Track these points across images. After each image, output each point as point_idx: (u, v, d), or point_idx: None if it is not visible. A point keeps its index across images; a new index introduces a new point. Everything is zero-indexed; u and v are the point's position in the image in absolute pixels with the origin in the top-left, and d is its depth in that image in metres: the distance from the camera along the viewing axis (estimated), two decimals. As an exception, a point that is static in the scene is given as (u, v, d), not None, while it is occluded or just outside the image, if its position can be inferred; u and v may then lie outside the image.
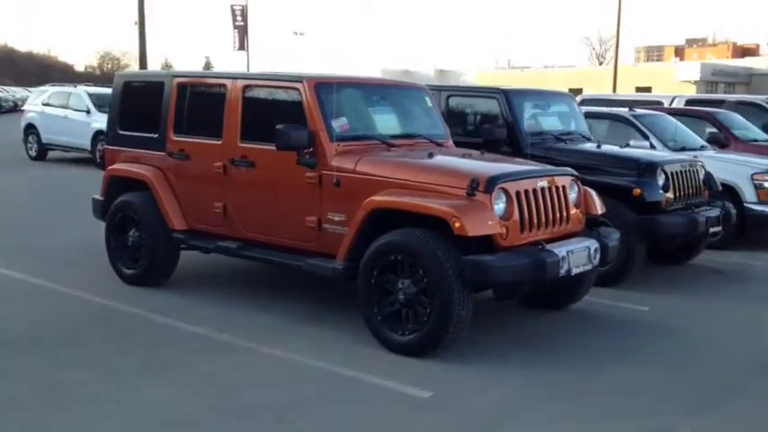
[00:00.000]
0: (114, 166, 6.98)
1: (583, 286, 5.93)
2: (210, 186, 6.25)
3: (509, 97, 7.71)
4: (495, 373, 4.77)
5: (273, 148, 5.66)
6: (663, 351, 5.26)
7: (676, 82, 47.61)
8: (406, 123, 6.28)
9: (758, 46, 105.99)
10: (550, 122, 8.04)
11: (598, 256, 5.35)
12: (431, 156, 5.64)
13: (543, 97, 8.34)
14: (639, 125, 9.25)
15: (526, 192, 5.13)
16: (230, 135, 6.09)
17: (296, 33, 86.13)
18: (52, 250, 8.12)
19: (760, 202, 8.67)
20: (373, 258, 5.09)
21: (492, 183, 4.95)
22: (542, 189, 5.26)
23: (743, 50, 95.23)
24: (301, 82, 5.72)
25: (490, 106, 7.83)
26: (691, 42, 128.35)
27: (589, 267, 5.30)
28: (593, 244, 5.33)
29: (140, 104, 6.99)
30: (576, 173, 5.70)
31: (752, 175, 8.75)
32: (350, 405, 4.26)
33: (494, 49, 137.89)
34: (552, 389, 4.52)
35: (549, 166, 5.75)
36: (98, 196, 7.26)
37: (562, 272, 4.95)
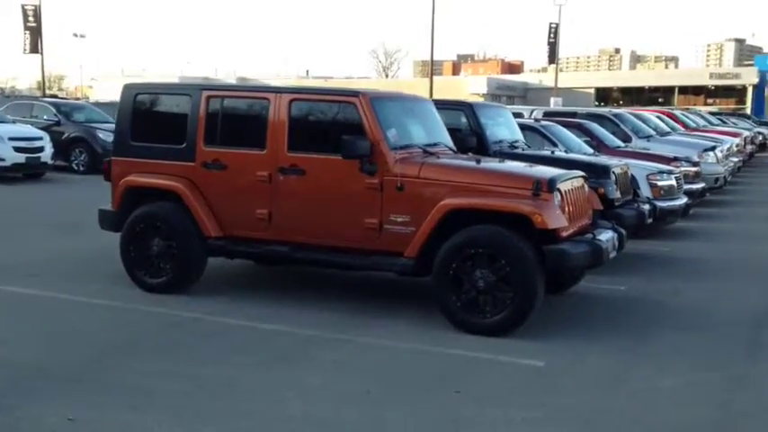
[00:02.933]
0: (132, 178, 7.02)
1: (582, 272, 7.03)
2: (253, 194, 6.58)
3: (475, 110, 8.72)
4: (578, 345, 5.64)
5: (325, 156, 6.25)
6: (670, 319, 6.46)
7: (467, 94, 51.57)
8: (430, 133, 7.03)
9: (522, 63, 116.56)
10: (502, 132, 9.14)
11: (617, 244, 6.48)
12: (478, 162, 6.47)
13: (495, 110, 9.44)
14: (548, 134, 10.68)
15: (568, 191, 6.12)
16: (276, 145, 6.48)
17: (76, 35, 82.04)
18: (41, 263, 7.93)
19: (654, 198, 10.38)
20: (453, 252, 5.81)
21: (553, 184, 5.89)
22: (576, 188, 6.29)
23: (510, 66, 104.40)
24: (357, 96, 6.29)
25: (457, 117, 8.78)
26: (461, 58, 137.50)
27: (614, 254, 6.40)
28: (614, 234, 6.45)
29: (159, 116, 7.13)
30: (585, 174, 6.79)
31: (647, 175, 10.42)
32: (490, 376, 4.97)
33: (286, 57, 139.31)
34: (623, 354, 5.52)
35: (574, 170, 6.76)
36: (108, 207, 7.25)
37: (610, 257, 6.00)
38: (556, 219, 5.73)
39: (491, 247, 5.70)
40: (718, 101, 64.96)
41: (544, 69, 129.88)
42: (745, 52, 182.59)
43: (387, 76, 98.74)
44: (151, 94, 7.31)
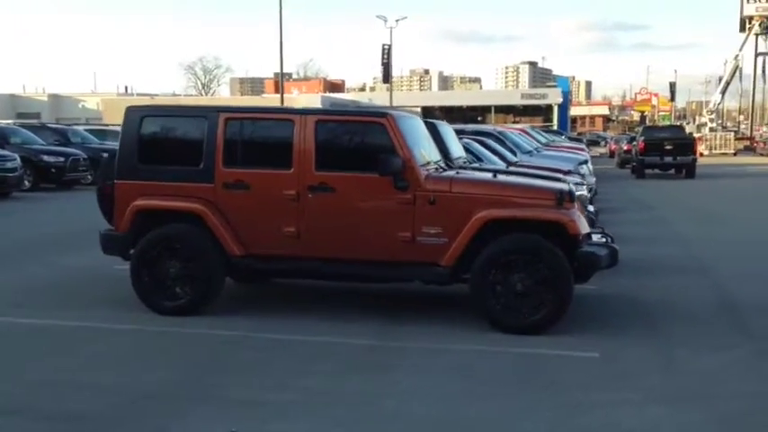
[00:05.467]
0: (146, 201, 6.90)
1: None
2: (280, 212, 6.74)
3: (437, 127, 9.33)
4: (616, 337, 6.32)
5: (355, 174, 6.61)
6: (655, 311, 7.34)
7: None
8: (436, 149, 7.53)
9: (344, 81, 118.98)
10: (454, 148, 9.79)
11: (612, 247, 7.30)
12: (495, 175, 7.05)
13: (448, 128, 10.09)
14: (505, 140, 11.63)
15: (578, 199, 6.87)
16: (303, 164, 6.70)
17: None
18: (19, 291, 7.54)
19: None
20: (491, 260, 6.35)
21: (573, 194, 6.59)
22: (580, 197, 7.05)
23: (332, 85, 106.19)
24: (386, 117, 6.68)
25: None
26: (278, 76, 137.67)
27: (612, 254, 7.21)
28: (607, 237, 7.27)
29: (171, 137, 7.09)
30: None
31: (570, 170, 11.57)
32: (563, 369, 5.53)
33: (97, 72, 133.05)
34: (650, 343, 6.27)
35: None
36: (112, 231, 7.07)
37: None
38: (583, 226, 6.45)
39: (531, 254, 6.29)
40: (526, 119, 70.06)
41: (362, 89, 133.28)
42: (539, 74, 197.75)
43: (206, 93, 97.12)
44: (160, 116, 7.22)
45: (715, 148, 50.62)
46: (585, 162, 16.94)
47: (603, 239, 6.93)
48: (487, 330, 6.34)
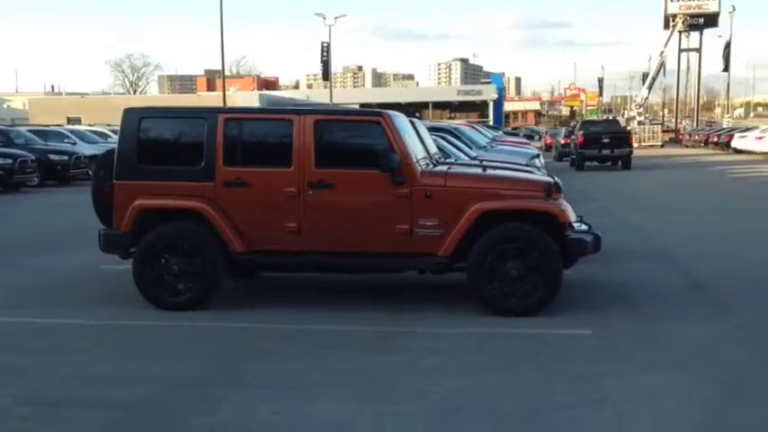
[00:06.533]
0: (148, 200, 7.06)
1: None
2: (281, 208, 7.00)
3: (414, 124, 9.66)
4: (603, 316, 6.78)
5: (354, 171, 6.94)
6: (632, 293, 7.89)
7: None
8: (423, 145, 7.90)
9: (277, 79, 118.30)
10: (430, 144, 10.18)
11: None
12: (485, 170, 7.47)
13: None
14: (461, 136, 12.09)
15: (559, 191, 7.35)
16: (303, 162, 6.97)
17: None
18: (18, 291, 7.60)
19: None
20: (488, 248, 6.75)
21: (559, 186, 7.06)
22: (558, 188, 7.52)
23: (266, 83, 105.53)
24: (382, 116, 7.02)
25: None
26: (209, 73, 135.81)
27: (590, 242, 7.70)
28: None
29: (170, 138, 7.26)
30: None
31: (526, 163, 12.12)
32: (563, 346, 5.98)
33: (18, 70, 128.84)
34: (637, 319, 6.78)
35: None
36: (112, 230, 7.21)
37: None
38: (571, 215, 6.92)
39: (525, 242, 6.72)
40: (462, 115, 71.23)
41: (296, 86, 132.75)
42: (470, 71, 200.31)
43: (134, 91, 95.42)
44: (159, 117, 7.38)
45: (643, 141, 52.49)
46: (537, 156, 17.60)
47: (585, 227, 7.40)
48: (485, 314, 6.75)
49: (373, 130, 7.02)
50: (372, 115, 7.11)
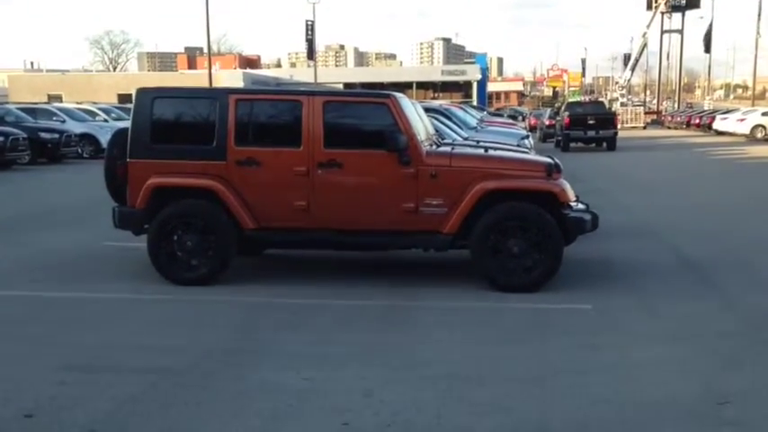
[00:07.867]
0: (162, 179, 7.26)
1: None
2: (291, 187, 7.23)
3: (414, 106, 9.90)
4: (600, 291, 7.10)
5: (362, 151, 7.18)
6: (622, 269, 8.21)
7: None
8: (425, 127, 8.14)
9: (259, 57, 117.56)
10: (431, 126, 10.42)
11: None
12: (486, 150, 7.72)
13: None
14: (452, 116, 12.33)
15: (558, 171, 7.63)
16: (312, 142, 7.20)
17: None
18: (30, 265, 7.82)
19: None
20: (490, 226, 7.03)
21: (559, 167, 7.34)
22: (557, 169, 7.80)
23: (248, 61, 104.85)
24: (389, 98, 7.24)
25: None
26: (189, 51, 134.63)
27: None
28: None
29: (183, 118, 7.44)
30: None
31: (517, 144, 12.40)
32: (568, 320, 6.27)
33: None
34: (633, 295, 7.11)
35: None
36: (127, 207, 7.40)
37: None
38: (570, 194, 7.21)
39: (527, 220, 7.00)
40: (445, 95, 71.32)
41: (278, 65, 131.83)
42: (452, 50, 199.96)
43: (114, 68, 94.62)
44: (171, 98, 7.55)
45: (626, 122, 52.99)
46: (527, 137, 17.86)
47: (583, 206, 7.68)
48: (489, 289, 7.03)
49: (380, 111, 7.25)
50: (379, 97, 7.33)
